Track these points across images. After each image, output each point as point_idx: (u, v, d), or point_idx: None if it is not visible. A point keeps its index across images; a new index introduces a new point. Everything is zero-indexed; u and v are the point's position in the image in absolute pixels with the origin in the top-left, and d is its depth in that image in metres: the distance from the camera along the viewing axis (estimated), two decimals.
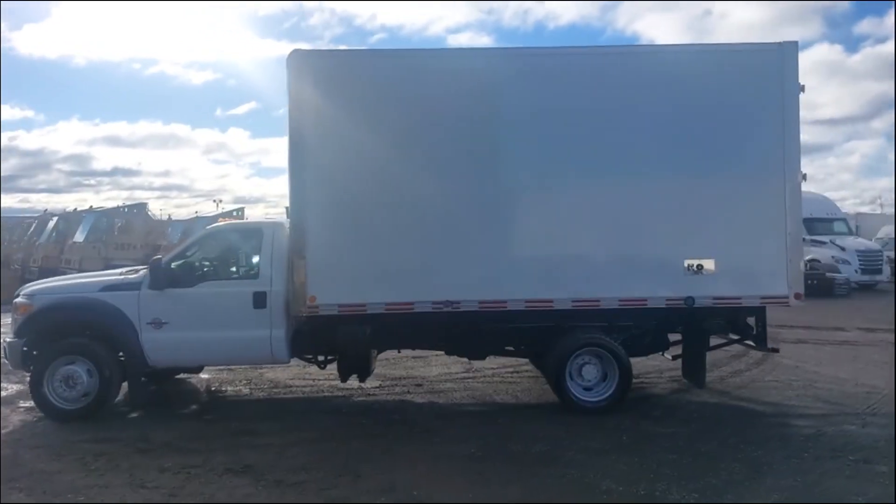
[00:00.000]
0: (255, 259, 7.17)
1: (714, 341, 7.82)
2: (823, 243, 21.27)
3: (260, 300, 6.94)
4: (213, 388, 8.32)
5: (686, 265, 6.88)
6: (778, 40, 6.95)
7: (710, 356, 9.33)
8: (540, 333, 7.21)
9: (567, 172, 6.89)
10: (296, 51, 6.81)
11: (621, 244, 6.92)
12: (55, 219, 22.40)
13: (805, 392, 7.85)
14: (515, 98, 6.87)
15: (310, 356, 7.43)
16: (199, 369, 8.28)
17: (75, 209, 22.31)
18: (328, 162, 6.83)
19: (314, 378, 8.52)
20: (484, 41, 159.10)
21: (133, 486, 5.11)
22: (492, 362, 8.90)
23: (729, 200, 6.94)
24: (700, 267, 6.89)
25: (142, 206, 20.54)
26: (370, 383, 8.41)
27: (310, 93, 6.77)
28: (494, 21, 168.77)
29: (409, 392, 7.99)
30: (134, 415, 7.18)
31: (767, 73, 6.91)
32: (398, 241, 6.86)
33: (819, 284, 19.88)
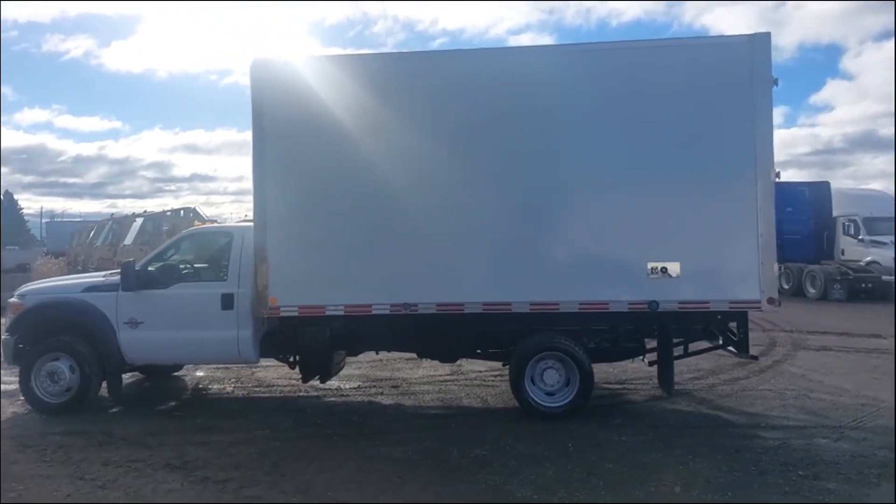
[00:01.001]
0: (225, 262, 7.37)
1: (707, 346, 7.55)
2: (884, 244, 19.96)
3: (228, 301, 7.15)
4: (199, 386, 8.61)
5: (650, 268, 6.63)
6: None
7: (713, 362, 9.07)
8: (503, 337, 7.13)
9: (524, 173, 6.76)
10: (257, 59, 6.97)
11: (582, 246, 6.74)
12: (109, 223, 23.72)
13: (794, 402, 7.42)
14: (469, 99, 6.79)
15: (281, 357, 7.58)
16: (176, 367, 8.59)
17: (132, 214, 23.53)
18: (288, 167, 6.96)
19: (299, 378, 8.66)
20: (546, 41, 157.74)
21: (72, 478, 5.36)
22: (480, 365, 8.85)
23: (696, 200, 6.64)
24: (664, 270, 6.63)
25: (188, 210, 21.51)
26: (348, 384, 8.53)
27: (270, 100, 6.92)
28: (556, 21, 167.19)
29: (382, 393, 8.03)
30: (114, 410, 7.52)
31: (738, 66, 6.57)
32: (356, 243, 6.91)
33: (875, 288, 18.72)
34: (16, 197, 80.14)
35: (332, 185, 6.93)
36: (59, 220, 62.56)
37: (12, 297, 7.72)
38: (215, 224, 7.58)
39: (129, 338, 7.25)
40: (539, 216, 6.75)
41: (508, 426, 6.61)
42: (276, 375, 9.01)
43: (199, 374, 9.23)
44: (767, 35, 6.56)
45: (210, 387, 8.60)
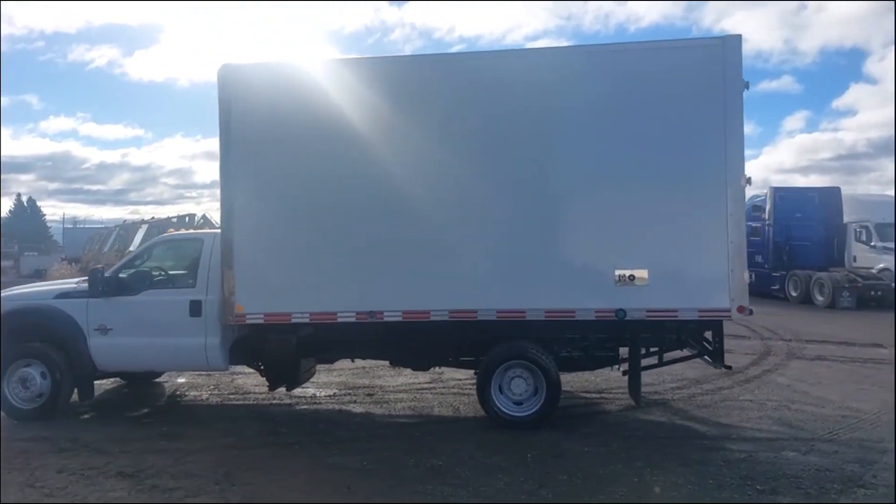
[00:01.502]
0: (195, 268, 7.36)
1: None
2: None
3: (196, 309, 7.14)
4: (175, 393, 8.62)
5: (617, 275, 6.51)
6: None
7: (699, 371, 8.89)
8: (474, 346, 7.04)
9: (486, 179, 6.68)
10: (224, 65, 6.98)
11: (548, 253, 6.62)
12: (117, 229, 24.01)
13: (772, 413, 7.23)
14: (434, 105, 6.74)
15: (251, 364, 7.55)
16: (156, 374, 8.62)
17: (139, 220, 23.82)
18: (253, 173, 6.95)
19: None
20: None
21: (22, 486, 5.35)
22: (461, 374, 8.71)
23: (665, 206, 6.50)
24: (632, 277, 6.50)
25: (192, 216, 21.68)
26: (324, 391, 8.49)
27: (238, 106, 6.92)
28: (574, 26, 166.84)
29: (355, 402, 7.97)
30: (86, 416, 7.54)
31: (709, 69, 6.44)
32: (321, 251, 6.87)
33: (884, 296, 18.30)
34: (42, 203, 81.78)
35: (297, 192, 6.90)
36: (80, 226, 63.49)
37: None
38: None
39: (99, 344, 7.27)
40: (504, 223, 6.65)
41: (473, 435, 6.51)
42: (255, 383, 8.97)
43: (181, 380, 9.24)
44: (738, 38, 6.42)
45: (187, 393, 8.59)
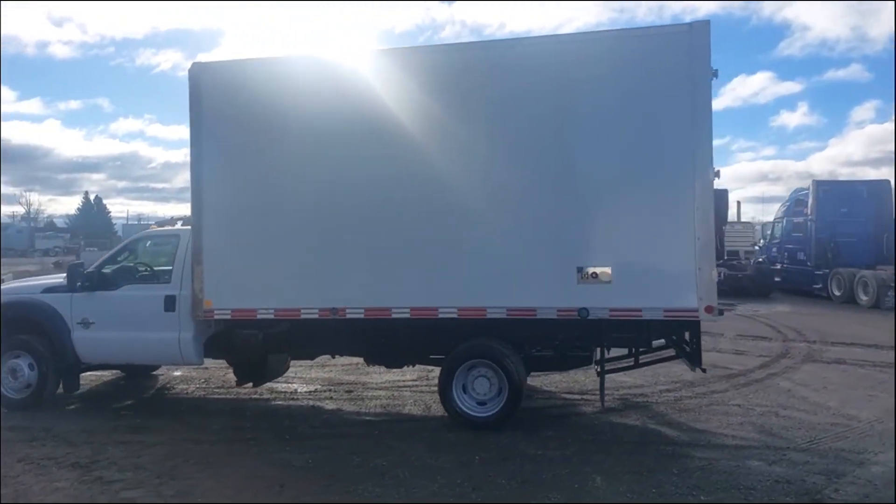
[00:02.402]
0: (171, 264, 7.49)
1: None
2: None
3: (170, 303, 7.26)
4: (165, 386, 8.80)
5: (579, 273, 6.28)
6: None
7: (698, 373, 8.51)
8: (443, 343, 6.91)
9: (446, 173, 6.53)
10: (195, 63, 7.06)
11: (508, 249, 6.42)
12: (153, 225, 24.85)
13: (756, 420, 6.86)
14: (397, 100, 6.61)
15: (225, 358, 7.64)
16: (153, 367, 8.81)
17: (172, 217, 24.46)
18: (220, 170, 7.00)
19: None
20: None
21: None
22: None
23: (628, 200, 6.23)
24: (595, 275, 6.26)
25: None
26: (307, 387, 8.53)
27: (207, 104, 6.99)
28: (627, 19, 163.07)
29: (331, 398, 7.96)
30: (71, 407, 7.78)
31: (676, 58, 6.14)
32: (285, 248, 6.87)
33: None
34: (111, 201, 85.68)
35: (262, 190, 6.92)
36: (144, 222, 65.85)
37: None
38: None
39: (81, 337, 7.48)
40: (464, 218, 6.49)
41: (431, 435, 6.41)
42: None
43: (176, 373, 9.45)
44: (706, 24, 6.09)
45: (175, 386, 8.77)
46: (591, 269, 6.26)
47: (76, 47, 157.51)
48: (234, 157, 6.99)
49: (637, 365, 7.15)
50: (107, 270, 7.72)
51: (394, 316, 6.65)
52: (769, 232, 24.54)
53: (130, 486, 5.22)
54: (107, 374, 9.28)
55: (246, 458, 5.87)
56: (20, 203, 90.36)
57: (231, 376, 9.01)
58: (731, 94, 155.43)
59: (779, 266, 22.14)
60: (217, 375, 9.24)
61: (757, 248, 25.47)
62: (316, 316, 6.79)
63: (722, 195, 23.51)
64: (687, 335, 6.74)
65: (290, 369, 9.25)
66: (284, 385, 8.61)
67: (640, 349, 6.98)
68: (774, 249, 23.09)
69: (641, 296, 6.18)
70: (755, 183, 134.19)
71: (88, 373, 8.61)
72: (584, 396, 7.88)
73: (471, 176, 6.50)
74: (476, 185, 6.49)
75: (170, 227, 8.05)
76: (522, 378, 6.51)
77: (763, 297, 20.57)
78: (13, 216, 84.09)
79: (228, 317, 7.00)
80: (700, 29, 6.08)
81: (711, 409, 7.28)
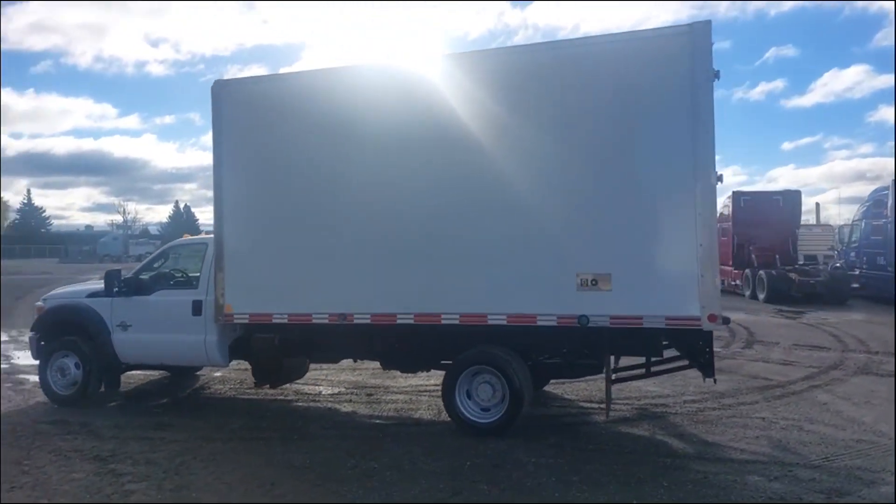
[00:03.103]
0: (198, 270, 7.91)
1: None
2: None
3: (197, 308, 7.68)
4: (202, 386, 9.26)
5: (579, 280, 6.21)
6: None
7: (736, 384, 8.28)
8: (447, 350, 6.98)
9: (451, 179, 6.59)
10: (216, 81, 7.45)
11: (508, 255, 6.42)
12: None
13: (776, 434, 6.56)
14: (398, 112, 6.75)
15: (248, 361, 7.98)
16: (198, 367, 9.28)
17: None
18: (238, 180, 7.35)
19: (294, 382, 9.01)
20: None
21: (9, 463, 6.01)
22: None
23: (630, 205, 6.10)
24: (595, 282, 6.17)
25: None
26: (329, 390, 8.77)
27: (226, 117, 7.36)
28: (708, 15, 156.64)
29: (350, 401, 8.17)
30: (112, 404, 8.32)
31: (677, 60, 5.98)
32: (298, 255, 7.12)
33: None
34: (199, 210, 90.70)
35: (275, 199, 7.21)
36: None
37: (39, 300, 8.83)
38: None
39: (120, 339, 8.01)
40: (466, 224, 6.54)
41: (433, 439, 6.49)
42: None
43: (217, 374, 9.91)
44: (707, 24, 5.91)
45: (211, 386, 9.22)
46: (590, 276, 6.18)
47: (170, 65, 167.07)
48: (250, 168, 7.32)
49: (648, 374, 6.98)
50: (144, 276, 8.23)
51: (399, 322, 6.78)
52: (847, 235, 23.16)
53: (138, 479, 5.56)
54: (154, 374, 9.83)
55: (250, 456, 6.14)
56: (118, 212, 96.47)
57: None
58: (823, 89, 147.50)
59: (857, 271, 20.86)
60: (252, 377, 9.62)
61: (836, 252, 24.08)
62: (326, 321, 7.00)
63: (794, 196, 23.19)
64: (700, 343, 6.53)
65: (321, 372, 9.61)
66: (311, 387, 8.89)
67: (652, 357, 6.81)
68: (853, 254, 21.77)
69: (642, 303, 6.05)
70: (851, 182, 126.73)
71: (138, 372, 9.22)
72: (602, 405, 7.73)
73: (471, 186, 6.53)
74: (478, 193, 6.52)
75: (200, 237, 8.50)
76: (524, 385, 6.48)
77: (839, 304, 19.44)
78: (112, 224, 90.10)
79: (247, 321, 7.32)
80: (701, 29, 5.91)
81: (731, 422, 7.01)
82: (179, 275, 8.43)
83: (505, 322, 6.44)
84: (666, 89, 6.01)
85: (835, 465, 5.66)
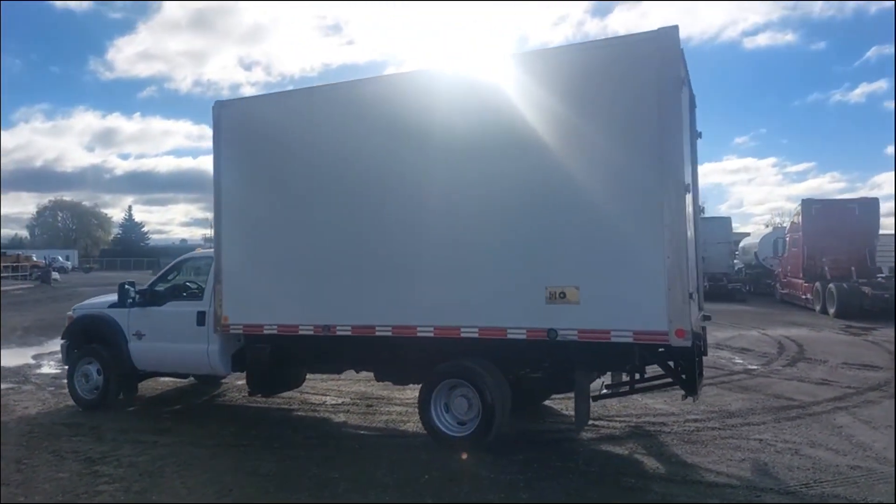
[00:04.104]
0: (204, 283, 8.27)
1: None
2: None
3: (201, 318, 8.03)
4: (216, 393, 9.63)
5: (548, 293, 6.09)
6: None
7: (755, 402, 7.92)
8: (426, 363, 6.99)
9: (422, 198, 6.64)
10: (216, 101, 7.80)
11: (477, 268, 6.38)
12: None
13: (766, 457, 6.20)
14: (376, 127, 6.87)
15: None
16: (182, 375, 9.64)
17: None
18: (235, 196, 7.65)
19: (300, 391, 9.25)
20: (787, 39, 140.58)
21: (8, 461, 6.47)
22: None
23: (596, 217, 5.94)
24: (563, 295, 6.04)
25: None
26: (334, 400, 8.93)
27: (224, 137, 7.70)
28: (801, 16, 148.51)
29: (347, 411, 8.29)
30: (130, 408, 8.79)
31: (644, 66, 5.80)
32: (286, 269, 7.32)
33: None
34: None
35: (266, 215, 7.46)
36: None
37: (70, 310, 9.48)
38: None
39: (136, 347, 8.48)
40: (438, 237, 6.55)
41: (404, 452, 6.50)
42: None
43: (239, 382, 10.26)
44: (675, 29, 5.71)
45: (227, 394, 9.58)
46: (558, 289, 6.05)
47: (262, 87, 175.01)
48: (243, 184, 7.62)
49: (632, 391, 6.75)
50: (158, 288, 8.69)
51: (378, 333, 6.86)
52: None
53: (112, 480, 5.86)
54: (182, 382, 10.30)
55: (224, 461, 6.35)
56: (211, 226, 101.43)
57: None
58: None
59: None
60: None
61: None
62: (311, 332, 7.17)
63: (871, 205, 21.99)
64: (672, 364, 6.29)
65: (334, 383, 9.80)
66: (318, 397, 9.09)
67: (636, 375, 6.59)
68: None
69: (610, 317, 5.87)
70: None
71: (166, 378, 9.72)
72: (596, 422, 7.51)
73: (446, 199, 6.54)
74: (449, 205, 6.53)
75: (209, 250, 8.88)
76: (497, 399, 6.38)
77: None
78: (205, 238, 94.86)
79: (241, 331, 7.60)
80: (668, 35, 5.72)
81: (724, 443, 6.66)
82: (191, 287, 8.84)
83: (477, 335, 6.40)
84: (632, 98, 5.84)
85: (811, 492, 5.29)
